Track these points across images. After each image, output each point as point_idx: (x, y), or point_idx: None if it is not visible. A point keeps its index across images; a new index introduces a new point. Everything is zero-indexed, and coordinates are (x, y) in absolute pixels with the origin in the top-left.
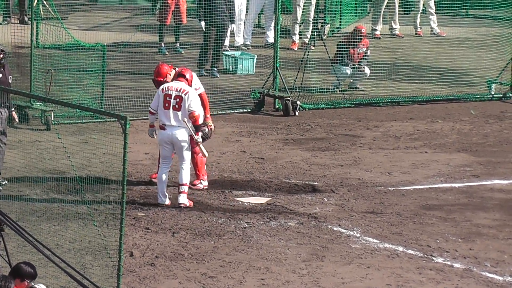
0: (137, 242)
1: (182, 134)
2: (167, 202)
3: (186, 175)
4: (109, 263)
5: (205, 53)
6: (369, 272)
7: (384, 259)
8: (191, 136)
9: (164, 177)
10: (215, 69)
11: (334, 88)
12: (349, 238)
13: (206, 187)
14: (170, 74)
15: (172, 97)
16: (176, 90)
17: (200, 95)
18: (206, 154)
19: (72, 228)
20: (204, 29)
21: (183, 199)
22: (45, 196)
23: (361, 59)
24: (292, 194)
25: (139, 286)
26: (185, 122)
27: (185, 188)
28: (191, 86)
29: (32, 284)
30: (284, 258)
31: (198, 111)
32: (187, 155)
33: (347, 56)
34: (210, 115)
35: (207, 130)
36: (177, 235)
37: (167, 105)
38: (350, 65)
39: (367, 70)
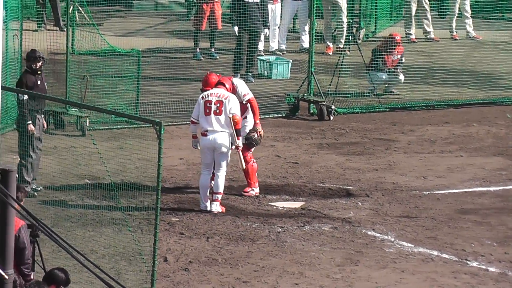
0: (171, 247)
1: (223, 139)
2: (209, 207)
3: (221, 183)
4: (143, 269)
5: (239, 58)
6: (404, 277)
7: (418, 264)
8: (231, 141)
9: (206, 183)
10: (250, 74)
11: (369, 93)
12: (383, 242)
13: (258, 194)
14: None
15: (213, 103)
16: (216, 96)
17: (249, 100)
18: (244, 165)
19: (106, 234)
20: (237, 34)
21: (216, 207)
22: (79, 202)
23: (396, 65)
24: (326, 198)
25: None
26: (226, 127)
27: (219, 196)
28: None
29: None
30: (318, 263)
31: (239, 115)
32: (224, 162)
33: (382, 62)
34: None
35: (256, 136)
36: (211, 240)
37: (208, 111)
38: (386, 71)
39: (401, 77)
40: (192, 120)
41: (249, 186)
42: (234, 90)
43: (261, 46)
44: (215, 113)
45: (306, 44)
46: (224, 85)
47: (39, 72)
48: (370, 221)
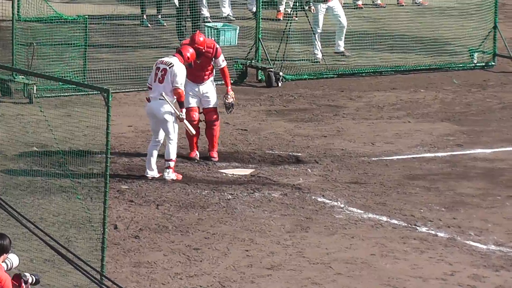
0: (121, 215)
1: (161, 107)
2: (155, 175)
3: (172, 150)
4: (93, 236)
5: (181, 24)
6: (354, 242)
7: (368, 229)
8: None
9: (153, 152)
10: None
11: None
12: (333, 208)
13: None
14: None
15: (160, 70)
16: (164, 63)
17: (223, 68)
18: (193, 131)
19: (55, 202)
20: (177, 5)
21: (169, 175)
22: (28, 170)
23: None
24: (276, 165)
25: (124, 259)
26: (163, 96)
27: (171, 164)
28: (188, 63)
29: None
30: (268, 230)
31: (182, 88)
32: (171, 129)
33: None
34: None
35: (233, 100)
36: (161, 207)
37: (155, 78)
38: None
39: None
40: (148, 86)
41: (213, 150)
42: (217, 54)
43: (206, 12)
44: (159, 81)
45: (254, 9)
46: (181, 54)
47: None
48: (320, 187)
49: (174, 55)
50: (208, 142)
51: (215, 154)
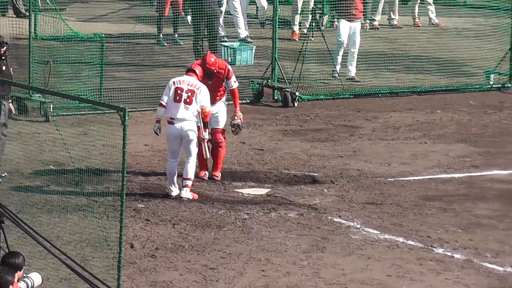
0: (137, 233)
1: (190, 127)
2: (177, 192)
3: (191, 170)
4: (109, 255)
5: (197, 44)
6: (370, 263)
7: (384, 250)
8: (198, 132)
9: (173, 170)
10: None
11: (332, 72)
12: (349, 229)
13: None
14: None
15: (184, 91)
16: (188, 84)
17: (234, 89)
18: (208, 155)
19: (72, 220)
20: (190, 23)
21: (186, 194)
22: (45, 188)
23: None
24: (292, 185)
25: (140, 278)
26: (197, 116)
27: (189, 183)
28: (200, 81)
29: (24, 275)
30: (284, 249)
31: (209, 108)
32: (194, 149)
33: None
34: None
35: (240, 122)
36: (178, 226)
37: (178, 98)
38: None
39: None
40: (161, 103)
41: (217, 170)
42: (229, 75)
43: (222, 31)
44: (185, 102)
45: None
46: (195, 72)
47: (3, 58)
48: (336, 207)
49: (188, 75)
50: (213, 162)
51: (217, 174)
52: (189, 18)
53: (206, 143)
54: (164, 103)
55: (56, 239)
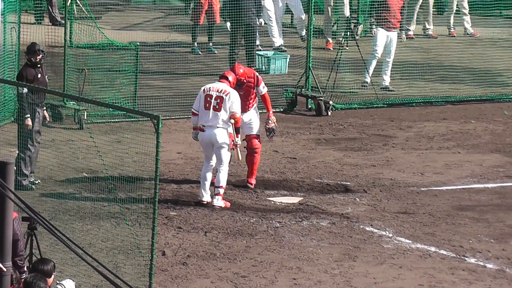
0: (169, 241)
1: (221, 135)
2: (208, 199)
3: (223, 178)
4: (141, 262)
5: (234, 52)
6: (401, 273)
7: (416, 260)
8: (230, 138)
9: (207, 176)
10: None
11: (363, 83)
12: (381, 238)
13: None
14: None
15: (213, 98)
16: (217, 91)
17: (265, 94)
18: (240, 157)
19: (104, 227)
20: (229, 30)
21: (218, 202)
22: (78, 195)
23: (402, 8)
24: (324, 194)
25: (171, 285)
26: (227, 122)
27: (221, 191)
28: (233, 88)
29: (57, 281)
30: (316, 258)
31: (239, 113)
32: (225, 157)
33: (385, 4)
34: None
35: (274, 126)
36: (209, 234)
37: (207, 105)
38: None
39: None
40: (193, 112)
41: (252, 177)
42: (258, 83)
43: (257, 40)
44: (214, 109)
45: (304, 33)
46: (227, 79)
47: (39, 66)
48: (368, 216)
49: (220, 81)
50: (247, 169)
51: (253, 181)
52: (228, 24)
53: (238, 148)
54: (195, 111)
55: (88, 246)
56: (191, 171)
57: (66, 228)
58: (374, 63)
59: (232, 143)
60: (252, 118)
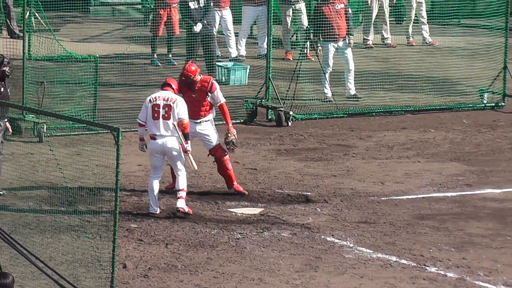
0: (130, 253)
1: (173, 143)
2: (158, 211)
3: (182, 181)
4: (102, 275)
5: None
6: (363, 282)
7: (377, 269)
8: (181, 145)
9: (155, 186)
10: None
11: (326, 96)
12: (342, 248)
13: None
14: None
15: (161, 107)
16: (164, 100)
17: (222, 105)
18: (196, 167)
19: (65, 240)
20: (198, 30)
21: (182, 204)
22: (37, 209)
23: (345, 15)
24: (285, 204)
25: None
26: (175, 130)
27: (183, 194)
28: (177, 95)
29: None
30: (277, 269)
31: (187, 119)
32: (180, 161)
33: (324, 19)
34: None
35: (234, 138)
36: (171, 246)
37: (156, 115)
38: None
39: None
40: (140, 123)
41: (234, 182)
42: (212, 89)
43: (217, 51)
44: (164, 117)
45: (264, 51)
46: (171, 86)
47: (3, 79)
48: (329, 227)
49: (164, 89)
50: (225, 180)
51: (240, 187)
52: (196, 27)
53: (190, 155)
54: (142, 122)
55: (48, 260)
56: None
57: (26, 241)
58: (327, 76)
59: (186, 150)
60: (207, 130)
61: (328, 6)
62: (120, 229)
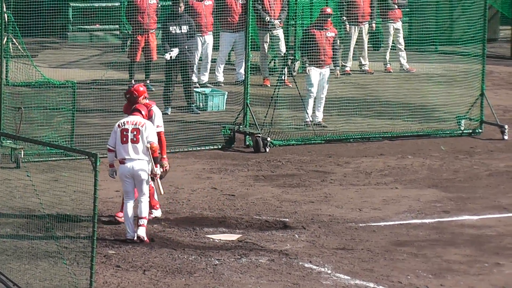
0: (107, 280)
1: (142, 166)
2: (136, 237)
3: (145, 208)
4: None
5: (169, 90)
6: None
7: None
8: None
9: (129, 211)
10: (194, 105)
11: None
12: (320, 274)
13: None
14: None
15: (129, 131)
16: (133, 124)
17: (159, 133)
18: (162, 191)
19: (42, 267)
20: (171, 59)
21: (142, 232)
22: (15, 235)
23: (332, 45)
24: (263, 230)
25: None
26: (147, 153)
27: (144, 222)
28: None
29: None
30: None
31: (156, 143)
32: (146, 188)
33: (314, 43)
34: (167, 154)
35: (163, 173)
36: (148, 272)
37: (124, 139)
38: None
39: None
40: (109, 148)
41: (151, 209)
42: (149, 113)
43: (195, 78)
44: (132, 141)
45: (242, 77)
46: (140, 112)
47: None
48: (307, 253)
49: (133, 114)
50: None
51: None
52: (167, 56)
53: (158, 179)
54: (111, 148)
55: (26, 286)
56: None
57: (3, 268)
58: (311, 102)
59: (152, 173)
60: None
61: (320, 31)
62: (98, 255)
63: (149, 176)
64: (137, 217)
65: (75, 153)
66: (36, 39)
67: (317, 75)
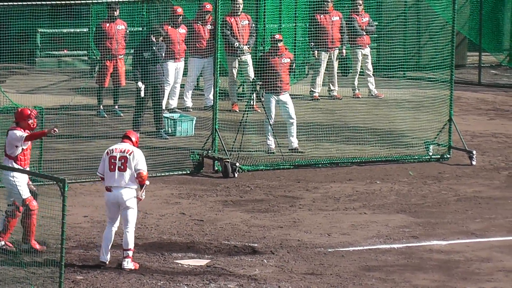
0: None
1: (128, 195)
2: (108, 260)
3: (130, 239)
4: None
5: (139, 115)
6: None
7: None
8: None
9: (110, 236)
10: (163, 130)
11: (269, 148)
12: None
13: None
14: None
15: (117, 159)
16: (121, 151)
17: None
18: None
19: None
20: (142, 89)
21: (128, 265)
22: None
23: (289, 70)
24: (232, 255)
25: None
26: (135, 181)
27: (130, 253)
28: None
29: None
30: None
31: (145, 171)
32: (132, 217)
33: (272, 71)
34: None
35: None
36: None
37: (112, 167)
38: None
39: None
40: (100, 176)
41: (31, 240)
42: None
43: (164, 103)
44: (119, 169)
45: (211, 102)
46: (130, 139)
47: None
48: (276, 278)
49: (123, 141)
50: (24, 233)
51: (37, 245)
52: (140, 84)
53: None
54: (101, 175)
55: None
56: (97, 234)
57: None
58: (270, 128)
59: (141, 198)
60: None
61: (275, 58)
62: (66, 280)
63: (136, 204)
64: (122, 249)
65: (43, 178)
66: (4, 64)
67: (273, 101)
